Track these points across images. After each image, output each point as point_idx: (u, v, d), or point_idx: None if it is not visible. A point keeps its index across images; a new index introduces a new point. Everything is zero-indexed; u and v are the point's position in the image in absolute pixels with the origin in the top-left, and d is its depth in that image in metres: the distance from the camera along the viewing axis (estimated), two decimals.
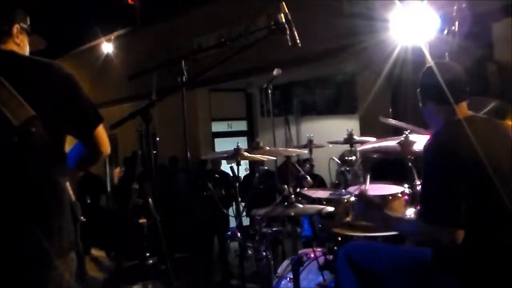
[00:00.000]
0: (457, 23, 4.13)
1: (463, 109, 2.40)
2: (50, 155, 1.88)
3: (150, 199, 2.34)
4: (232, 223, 5.71)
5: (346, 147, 4.32)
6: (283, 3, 2.35)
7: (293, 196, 3.28)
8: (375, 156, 4.25)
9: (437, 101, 2.43)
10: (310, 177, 4.30)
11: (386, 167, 4.63)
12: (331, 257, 3.27)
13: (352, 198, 3.35)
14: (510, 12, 5.32)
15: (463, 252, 2.22)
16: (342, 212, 3.36)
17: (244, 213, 3.75)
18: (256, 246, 3.46)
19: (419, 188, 3.23)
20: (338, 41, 7.04)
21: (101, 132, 2.04)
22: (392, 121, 3.69)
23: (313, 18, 6.79)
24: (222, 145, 10.09)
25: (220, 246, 7.56)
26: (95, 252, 9.59)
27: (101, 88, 12.44)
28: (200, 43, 9.57)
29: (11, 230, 1.81)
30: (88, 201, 9.13)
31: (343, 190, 3.57)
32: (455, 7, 4.16)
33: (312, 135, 4.77)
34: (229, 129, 10.89)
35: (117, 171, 10.46)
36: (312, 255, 3.45)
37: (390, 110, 6.78)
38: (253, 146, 3.83)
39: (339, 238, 3.26)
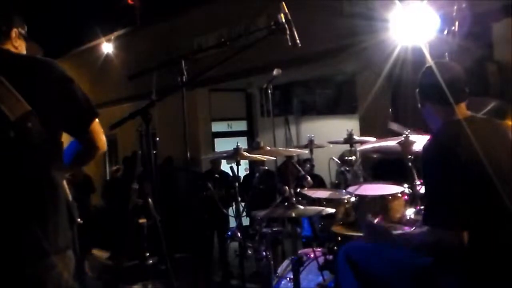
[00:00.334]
0: (457, 23, 4.13)
1: (462, 110, 2.39)
2: (47, 151, 1.88)
3: (150, 199, 2.34)
4: (232, 223, 5.71)
5: (346, 147, 4.32)
6: (283, 3, 2.34)
7: (293, 198, 3.28)
8: (375, 156, 4.25)
9: (436, 102, 2.42)
10: (310, 177, 4.30)
11: (386, 167, 4.64)
12: (331, 257, 3.27)
13: (353, 198, 3.36)
14: (510, 12, 5.32)
15: (463, 252, 2.21)
16: (342, 212, 3.37)
17: (244, 213, 3.75)
18: (256, 246, 3.46)
19: (419, 188, 3.24)
20: (338, 41, 7.03)
21: (97, 128, 2.04)
22: (398, 127, 3.68)
23: (313, 18, 6.79)
24: (222, 145, 10.08)
25: (220, 246, 7.56)
26: (94, 252, 9.59)
27: (101, 88, 12.43)
28: (200, 43, 9.57)
29: (8, 227, 1.81)
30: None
31: (343, 190, 3.58)
32: (455, 7, 4.16)
33: (312, 135, 4.77)
34: (229, 129, 10.89)
35: (113, 169, 10.44)
36: (312, 255, 3.46)
37: (390, 110, 6.78)
38: (253, 146, 3.84)
39: (339, 238, 3.26)
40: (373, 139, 4.03)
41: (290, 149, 5.11)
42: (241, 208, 3.60)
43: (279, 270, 3.64)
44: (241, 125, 11.05)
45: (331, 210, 3.26)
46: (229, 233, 3.55)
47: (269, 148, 3.94)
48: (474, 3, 4.60)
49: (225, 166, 7.35)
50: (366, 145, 3.87)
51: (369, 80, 6.85)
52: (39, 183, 1.87)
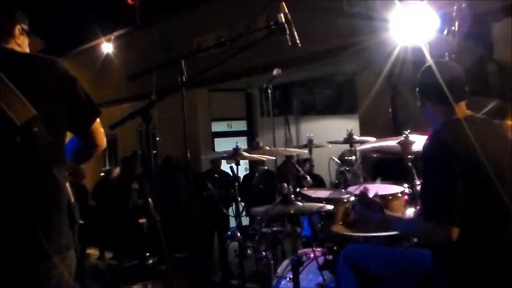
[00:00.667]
0: (457, 23, 4.12)
1: (462, 109, 2.40)
2: (51, 154, 1.89)
3: (150, 199, 2.34)
4: (232, 223, 5.70)
5: (346, 147, 4.32)
6: (283, 3, 2.35)
7: (292, 195, 3.28)
8: (375, 156, 4.25)
9: (436, 101, 2.43)
10: (310, 177, 4.30)
11: (386, 167, 4.63)
12: (330, 257, 3.27)
13: (352, 198, 3.36)
14: (510, 12, 5.32)
15: (462, 252, 2.22)
16: (342, 212, 3.37)
17: (244, 213, 3.75)
18: (256, 246, 3.46)
19: (418, 188, 3.24)
20: (338, 41, 7.03)
21: (98, 126, 2.06)
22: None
23: (313, 18, 6.79)
24: (222, 145, 10.08)
25: (220, 246, 7.56)
26: (94, 252, 9.59)
27: (101, 88, 12.41)
28: (200, 43, 9.56)
29: (11, 228, 1.82)
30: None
31: (343, 190, 3.57)
32: (455, 7, 4.16)
33: (312, 135, 4.77)
34: (229, 129, 10.89)
35: (106, 169, 10.42)
36: (312, 255, 3.46)
37: (390, 110, 6.78)
38: (253, 146, 3.83)
39: (339, 238, 3.26)
40: (373, 139, 4.03)
41: (289, 149, 5.12)
42: (241, 208, 3.60)
43: (279, 270, 3.64)
44: (241, 125, 11.04)
45: (330, 207, 3.27)
46: (229, 233, 3.55)
47: (268, 148, 3.94)
48: (474, 3, 4.60)
49: (225, 166, 7.35)
50: (366, 145, 3.87)
51: (369, 80, 6.85)
52: (43, 186, 1.88)
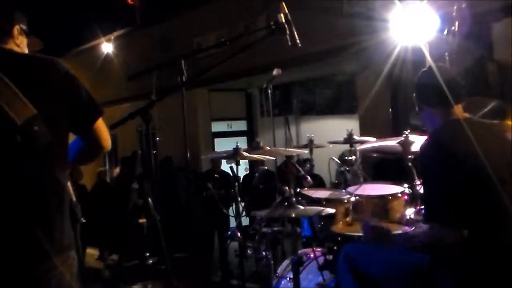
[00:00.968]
0: (457, 23, 4.13)
1: (459, 112, 2.42)
2: (53, 154, 1.88)
3: (150, 199, 2.34)
4: (232, 223, 5.70)
5: (346, 147, 4.32)
6: (283, 3, 2.35)
7: (293, 198, 3.28)
8: (375, 156, 4.25)
9: (433, 105, 2.45)
10: (310, 177, 4.30)
11: (386, 167, 4.63)
12: (330, 257, 3.27)
13: (353, 199, 3.36)
14: (510, 12, 5.32)
15: (463, 252, 2.22)
16: (342, 212, 3.37)
17: (244, 213, 3.75)
18: (256, 246, 3.46)
19: (418, 188, 3.24)
20: (338, 41, 7.03)
21: (101, 126, 2.03)
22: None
23: (313, 18, 6.79)
24: (222, 145, 10.08)
25: (220, 246, 7.56)
26: (94, 252, 9.59)
27: (101, 88, 12.40)
28: (200, 43, 9.56)
29: (13, 228, 1.81)
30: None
31: (343, 190, 3.57)
32: (455, 7, 4.16)
33: (312, 135, 4.77)
34: (229, 129, 10.89)
35: (100, 170, 10.40)
36: (312, 255, 3.46)
37: (390, 110, 6.78)
38: (253, 146, 3.83)
39: (339, 238, 3.26)
40: (373, 139, 4.03)
41: (290, 149, 5.12)
42: (241, 208, 3.60)
43: (279, 270, 3.64)
44: (241, 125, 11.04)
45: (331, 210, 3.26)
46: (229, 233, 3.55)
47: (268, 148, 3.94)
48: (474, 3, 4.60)
49: (225, 166, 7.35)
50: (366, 145, 3.87)
51: (369, 80, 6.85)
52: (45, 186, 1.87)
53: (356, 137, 4.32)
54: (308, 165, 6.14)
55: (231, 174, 3.61)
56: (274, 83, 4.50)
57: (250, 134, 10.82)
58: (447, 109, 2.39)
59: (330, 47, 7.26)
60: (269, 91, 4.41)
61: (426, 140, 2.40)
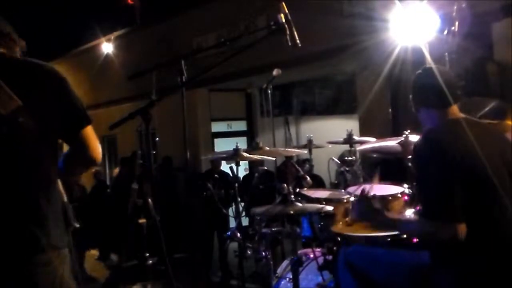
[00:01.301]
0: (457, 23, 4.12)
1: (455, 112, 2.45)
2: (40, 147, 1.88)
3: (150, 199, 2.34)
4: (232, 223, 5.69)
5: (346, 147, 4.32)
6: (283, 3, 2.35)
7: (292, 195, 3.28)
8: (374, 156, 4.25)
9: (430, 105, 2.48)
10: (310, 177, 4.30)
11: (386, 167, 4.63)
12: (330, 257, 3.27)
13: (352, 198, 3.36)
14: (510, 12, 5.32)
15: (462, 251, 2.22)
16: (342, 212, 3.36)
17: (244, 213, 3.75)
18: (255, 247, 3.46)
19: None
20: (338, 41, 7.03)
21: (90, 135, 2.01)
22: None
23: (313, 18, 6.79)
24: (222, 145, 10.08)
25: (219, 246, 7.56)
26: (94, 252, 9.59)
27: (101, 88, 12.42)
28: (200, 43, 9.56)
29: (1, 222, 1.81)
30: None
31: (343, 190, 3.57)
32: (455, 7, 4.16)
33: (311, 135, 4.77)
34: (229, 129, 10.88)
35: (95, 170, 10.39)
36: (312, 255, 3.45)
37: (390, 110, 6.78)
38: (253, 146, 3.83)
39: (339, 238, 3.25)
40: (373, 139, 4.03)
41: (289, 149, 5.11)
42: (241, 208, 3.60)
43: (279, 270, 3.64)
44: (241, 125, 11.04)
45: (330, 208, 3.26)
46: (229, 233, 3.55)
47: (268, 148, 3.95)
48: (474, 3, 4.60)
49: (225, 166, 7.35)
50: (366, 145, 3.87)
51: (369, 80, 6.84)
52: (32, 178, 1.87)
53: (356, 137, 4.32)
54: (307, 165, 6.14)
55: (231, 175, 3.61)
56: (274, 83, 4.50)
57: (250, 134, 10.82)
58: (444, 110, 2.42)
59: (330, 47, 7.26)
60: (269, 91, 4.42)
61: (420, 138, 2.42)
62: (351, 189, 3.52)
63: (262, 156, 3.78)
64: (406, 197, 3.29)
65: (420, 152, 2.36)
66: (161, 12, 11.23)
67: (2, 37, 2.03)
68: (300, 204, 3.24)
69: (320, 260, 3.33)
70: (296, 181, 4.33)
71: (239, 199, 3.60)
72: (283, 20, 2.32)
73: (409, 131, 3.39)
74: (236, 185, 3.56)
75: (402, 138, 3.40)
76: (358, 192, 2.95)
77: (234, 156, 3.55)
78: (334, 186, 4.10)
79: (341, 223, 3.34)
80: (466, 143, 2.26)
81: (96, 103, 12.22)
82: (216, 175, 7.56)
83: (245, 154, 3.60)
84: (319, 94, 10.70)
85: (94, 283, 7.66)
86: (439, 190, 2.24)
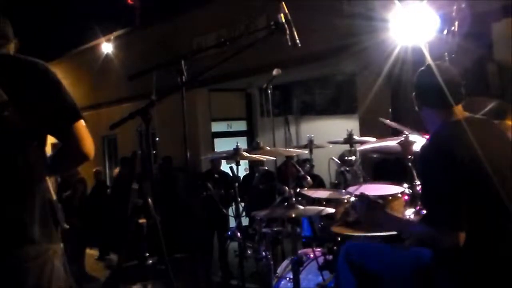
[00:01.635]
0: (457, 23, 4.12)
1: (459, 111, 2.40)
2: (25, 142, 1.88)
3: (150, 199, 2.34)
4: (232, 223, 5.69)
5: (346, 147, 4.32)
6: (283, 3, 2.34)
7: (293, 197, 3.28)
8: (375, 156, 4.25)
9: (433, 104, 2.43)
10: (310, 177, 4.30)
11: (386, 167, 4.63)
12: (330, 257, 3.27)
13: (353, 198, 3.35)
14: (510, 12, 5.32)
15: (463, 252, 2.22)
16: (342, 212, 3.36)
17: (244, 213, 3.75)
18: (255, 246, 3.47)
19: (418, 188, 3.23)
20: (338, 41, 7.03)
21: (82, 130, 2.00)
22: (390, 123, 3.69)
23: (313, 18, 6.79)
24: (222, 145, 10.08)
25: (220, 246, 7.56)
26: (94, 252, 9.60)
27: (101, 88, 12.42)
28: (200, 43, 9.56)
29: None
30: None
31: (343, 190, 3.57)
32: (455, 7, 4.16)
33: (312, 135, 4.77)
34: (229, 129, 10.89)
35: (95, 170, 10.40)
36: (312, 255, 3.45)
37: (390, 110, 6.77)
38: (253, 146, 3.84)
39: (339, 238, 3.25)
40: (373, 139, 4.03)
41: (289, 149, 5.11)
42: (241, 208, 3.60)
43: (279, 270, 3.64)
44: (241, 125, 11.04)
45: (331, 210, 3.26)
46: (229, 233, 3.55)
47: (268, 148, 3.95)
48: (474, 3, 4.60)
49: (225, 166, 7.35)
50: (366, 145, 3.87)
51: (369, 80, 6.85)
52: (16, 172, 1.87)
53: (356, 137, 4.32)
54: (308, 165, 6.14)
55: (231, 174, 3.61)
56: (274, 83, 4.51)
57: (250, 134, 10.82)
58: (447, 109, 2.37)
59: (330, 47, 7.26)
60: (269, 91, 4.42)
61: (426, 141, 2.39)
62: (351, 189, 3.52)
63: (263, 156, 3.78)
64: (406, 197, 3.29)
65: (425, 157, 2.34)
66: (161, 12, 11.24)
67: None
68: (301, 207, 3.24)
69: (321, 260, 3.33)
70: (297, 181, 4.32)
71: (239, 199, 3.59)
72: (283, 20, 2.32)
73: (409, 131, 3.39)
74: (236, 184, 3.56)
75: (402, 138, 3.39)
76: (359, 191, 2.95)
77: (234, 155, 3.55)
78: (334, 186, 4.10)
79: (341, 223, 3.34)
80: (470, 147, 2.22)
81: (96, 103, 12.23)
82: (216, 175, 7.56)
83: (246, 154, 3.60)
84: (319, 94, 10.70)
85: (94, 282, 7.67)
86: (444, 197, 2.21)
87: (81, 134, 1.99)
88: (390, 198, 3.25)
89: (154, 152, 2.30)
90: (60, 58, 13.65)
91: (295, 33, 2.32)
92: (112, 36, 11.87)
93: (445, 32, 4.21)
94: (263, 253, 3.44)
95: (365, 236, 3.12)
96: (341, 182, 3.84)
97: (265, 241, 3.48)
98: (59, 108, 1.97)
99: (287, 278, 3.48)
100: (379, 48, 5.90)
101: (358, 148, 4.14)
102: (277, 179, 4.82)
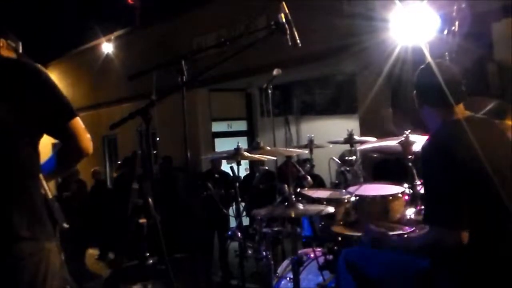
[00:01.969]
0: (457, 23, 4.12)
1: (460, 110, 2.39)
2: (17, 142, 1.89)
3: (150, 199, 2.34)
4: (232, 223, 5.69)
5: (346, 147, 4.32)
6: (283, 3, 2.34)
7: (293, 196, 3.28)
8: (375, 156, 4.25)
9: (434, 103, 2.42)
10: (310, 177, 4.30)
11: (387, 167, 4.63)
12: (331, 257, 3.27)
13: (353, 198, 3.35)
14: (510, 12, 5.32)
15: (463, 252, 2.21)
16: (342, 212, 3.36)
17: (244, 213, 3.75)
18: (256, 246, 3.46)
19: (419, 188, 3.23)
20: (338, 41, 7.03)
21: (79, 127, 2.02)
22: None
23: (313, 18, 6.79)
24: (222, 145, 10.08)
25: (220, 246, 7.56)
26: (94, 252, 9.60)
27: (101, 88, 12.42)
28: (200, 43, 9.56)
29: None
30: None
31: (343, 190, 3.57)
32: (455, 7, 4.15)
33: (312, 135, 4.77)
34: (229, 129, 10.89)
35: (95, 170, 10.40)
36: (312, 255, 3.46)
37: (390, 110, 6.77)
38: (253, 146, 3.84)
39: (339, 238, 3.25)
40: (373, 139, 4.03)
41: (290, 149, 5.11)
42: (241, 208, 3.60)
43: (279, 270, 3.64)
44: (241, 125, 11.04)
45: (331, 210, 3.26)
46: (229, 233, 3.55)
47: (269, 148, 3.95)
48: (474, 3, 4.59)
49: (225, 166, 7.35)
50: (366, 145, 3.87)
51: (369, 80, 6.85)
52: (8, 170, 1.87)
53: (356, 137, 4.32)
54: (308, 165, 6.14)
55: (231, 174, 3.62)
56: (274, 83, 4.50)
57: (250, 134, 10.82)
58: (447, 109, 2.37)
59: (330, 47, 7.26)
60: (269, 91, 4.42)
61: (426, 140, 2.39)
62: (351, 189, 3.52)
63: (263, 156, 3.78)
64: (406, 197, 3.29)
65: (426, 156, 2.33)
66: (161, 12, 11.23)
67: None
68: (301, 207, 3.23)
69: (321, 260, 3.33)
70: (297, 181, 4.32)
71: (239, 199, 3.59)
72: (283, 20, 2.31)
73: (409, 131, 3.39)
74: (237, 184, 3.56)
75: (402, 138, 3.39)
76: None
77: (235, 155, 3.55)
78: (335, 186, 4.09)
79: (341, 223, 3.34)
80: (470, 146, 2.22)
81: (96, 103, 12.23)
82: (216, 175, 7.56)
83: (246, 154, 3.60)
84: (319, 94, 10.70)
85: (95, 280, 7.67)
86: (445, 197, 2.21)
87: (78, 131, 2.01)
88: (390, 198, 3.25)
89: (154, 152, 2.30)
90: (60, 58, 13.66)
91: (295, 33, 2.31)
92: (112, 36, 11.88)
93: (445, 32, 4.20)
94: (264, 253, 3.44)
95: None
96: (342, 182, 3.84)
97: (266, 241, 3.47)
98: (55, 107, 1.98)
99: (288, 278, 3.48)
100: (379, 48, 5.90)
101: (358, 148, 4.14)
102: (278, 179, 4.82)
